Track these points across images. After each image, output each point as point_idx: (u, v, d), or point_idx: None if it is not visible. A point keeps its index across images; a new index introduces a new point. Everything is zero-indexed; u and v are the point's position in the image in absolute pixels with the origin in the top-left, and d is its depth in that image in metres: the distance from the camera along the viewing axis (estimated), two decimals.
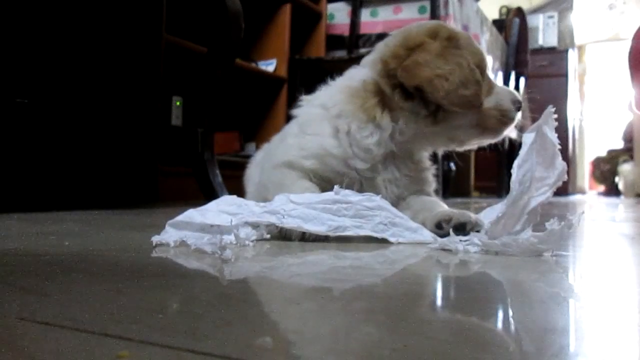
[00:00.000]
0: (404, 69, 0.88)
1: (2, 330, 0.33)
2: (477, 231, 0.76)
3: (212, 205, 0.78)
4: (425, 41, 0.91)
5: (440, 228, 0.81)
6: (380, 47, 0.96)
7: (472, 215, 0.81)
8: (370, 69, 0.94)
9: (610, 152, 5.25)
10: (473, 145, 1.01)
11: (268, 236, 0.76)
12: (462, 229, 0.78)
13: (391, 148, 0.92)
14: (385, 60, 0.91)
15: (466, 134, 0.95)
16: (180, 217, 0.74)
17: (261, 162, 1.17)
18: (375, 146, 0.90)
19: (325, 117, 0.94)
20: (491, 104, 0.93)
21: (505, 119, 0.94)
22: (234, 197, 0.82)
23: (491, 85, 0.95)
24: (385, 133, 0.91)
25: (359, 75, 0.96)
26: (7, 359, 0.28)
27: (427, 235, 0.78)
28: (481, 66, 0.93)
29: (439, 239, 0.74)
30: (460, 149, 1.02)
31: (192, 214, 0.74)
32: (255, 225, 0.76)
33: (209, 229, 0.72)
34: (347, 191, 0.80)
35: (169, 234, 0.71)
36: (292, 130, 1.00)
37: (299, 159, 0.93)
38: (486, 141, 0.99)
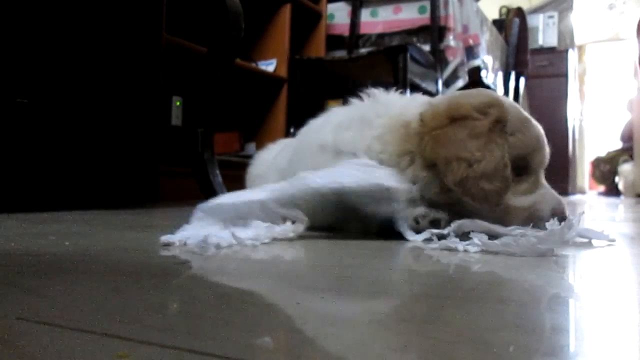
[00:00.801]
0: (433, 137, 0.82)
1: (2, 330, 0.33)
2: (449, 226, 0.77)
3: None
4: (470, 116, 0.82)
5: (417, 222, 0.82)
6: (431, 102, 0.89)
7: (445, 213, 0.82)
8: (415, 120, 0.87)
9: (609, 153, 5.26)
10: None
11: (292, 234, 0.76)
12: (437, 223, 0.81)
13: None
14: (424, 120, 0.85)
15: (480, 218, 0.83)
16: (213, 200, 0.76)
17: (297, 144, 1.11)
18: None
19: (369, 126, 0.91)
20: (526, 203, 0.82)
21: (535, 225, 0.78)
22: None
23: (537, 185, 0.84)
24: (407, 185, 0.85)
25: (412, 112, 0.88)
26: (7, 359, 0.28)
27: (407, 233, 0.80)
28: (527, 158, 0.83)
29: (438, 239, 0.74)
30: None
31: (223, 196, 0.78)
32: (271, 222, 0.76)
33: (232, 219, 0.74)
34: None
35: (186, 230, 0.70)
36: (339, 116, 0.97)
37: (339, 143, 0.91)
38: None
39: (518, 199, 0.82)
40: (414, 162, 0.86)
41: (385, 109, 0.92)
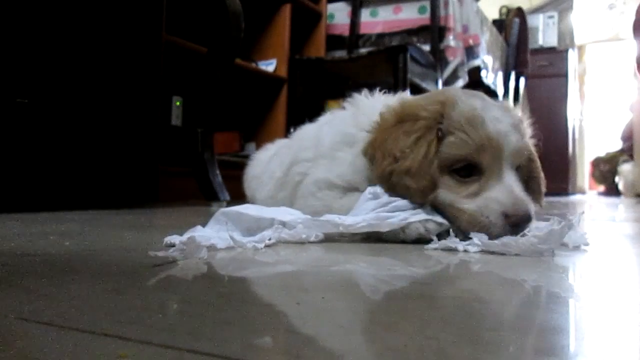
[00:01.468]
0: (375, 135, 0.84)
1: (2, 330, 0.33)
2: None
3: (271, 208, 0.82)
4: (415, 115, 0.81)
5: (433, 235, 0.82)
6: (391, 103, 0.90)
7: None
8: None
9: (608, 153, 5.26)
10: None
11: (304, 236, 0.76)
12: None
13: None
14: (379, 120, 0.87)
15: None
16: (237, 207, 0.76)
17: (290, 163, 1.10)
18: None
19: (353, 145, 0.92)
20: (469, 207, 0.76)
21: (482, 231, 0.73)
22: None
23: (487, 187, 0.76)
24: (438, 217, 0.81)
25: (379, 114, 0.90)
26: (7, 359, 0.28)
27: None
28: (474, 158, 0.77)
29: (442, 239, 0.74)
30: None
31: (249, 207, 0.77)
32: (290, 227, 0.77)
33: (248, 227, 0.75)
34: (377, 188, 0.82)
35: (195, 232, 0.70)
36: (326, 143, 0.98)
37: (333, 178, 0.93)
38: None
39: (463, 202, 0.76)
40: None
41: (367, 119, 0.92)
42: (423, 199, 0.78)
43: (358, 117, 0.96)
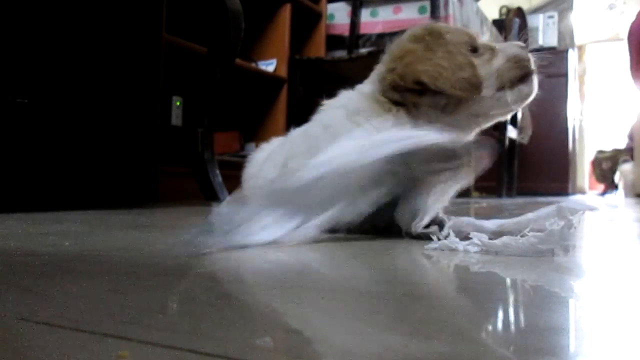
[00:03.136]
0: (400, 75, 0.90)
1: (2, 330, 0.33)
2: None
3: None
4: (409, 46, 0.93)
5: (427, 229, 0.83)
6: (375, 70, 0.99)
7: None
8: (374, 87, 0.96)
9: (609, 152, 5.25)
10: (507, 111, 0.99)
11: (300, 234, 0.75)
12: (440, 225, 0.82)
13: None
14: (382, 77, 0.93)
15: (492, 101, 0.94)
16: (227, 208, 0.75)
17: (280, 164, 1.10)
18: None
19: (345, 116, 0.95)
20: (501, 59, 0.94)
21: (522, 63, 0.95)
22: None
23: (492, 47, 0.96)
24: (406, 125, 0.91)
25: (367, 88, 0.97)
26: (7, 359, 0.28)
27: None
28: (470, 41, 0.94)
29: (441, 239, 0.74)
30: (500, 117, 1.01)
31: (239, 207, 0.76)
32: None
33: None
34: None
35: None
36: (316, 132, 0.99)
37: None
38: (520, 100, 0.96)
39: (493, 64, 0.92)
40: (399, 106, 0.92)
41: (347, 100, 0.97)
42: (479, 81, 0.90)
43: (337, 102, 0.98)
